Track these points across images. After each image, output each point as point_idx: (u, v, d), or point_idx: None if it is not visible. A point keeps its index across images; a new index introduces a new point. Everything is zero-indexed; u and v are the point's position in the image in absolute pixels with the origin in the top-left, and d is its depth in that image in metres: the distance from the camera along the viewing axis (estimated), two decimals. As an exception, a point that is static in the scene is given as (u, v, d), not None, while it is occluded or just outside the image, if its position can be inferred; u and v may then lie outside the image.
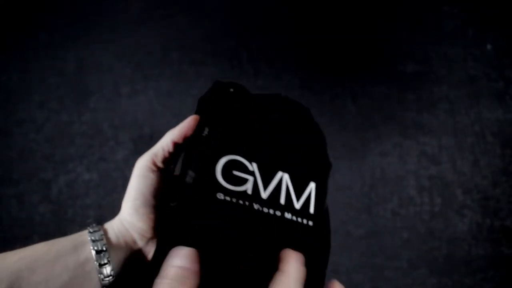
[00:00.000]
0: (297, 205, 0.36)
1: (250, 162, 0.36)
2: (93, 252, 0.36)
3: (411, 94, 0.87)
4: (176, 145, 0.38)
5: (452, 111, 0.86)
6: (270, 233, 0.35)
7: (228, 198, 0.35)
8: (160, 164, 0.38)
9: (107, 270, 0.35)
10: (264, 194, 0.36)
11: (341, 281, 0.35)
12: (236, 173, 0.36)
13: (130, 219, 0.38)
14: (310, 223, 0.36)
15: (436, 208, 0.83)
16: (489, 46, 0.88)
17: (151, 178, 0.38)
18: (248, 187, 0.35)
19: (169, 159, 0.38)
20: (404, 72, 0.88)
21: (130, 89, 0.91)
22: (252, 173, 0.36)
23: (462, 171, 0.84)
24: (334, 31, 0.91)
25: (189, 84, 0.90)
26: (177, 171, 0.38)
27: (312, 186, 0.37)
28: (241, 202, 0.35)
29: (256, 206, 0.35)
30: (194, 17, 0.93)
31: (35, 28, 0.94)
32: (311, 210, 0.36)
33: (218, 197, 0.34)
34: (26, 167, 0.87)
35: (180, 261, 0.30)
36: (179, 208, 0.35)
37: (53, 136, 0.89)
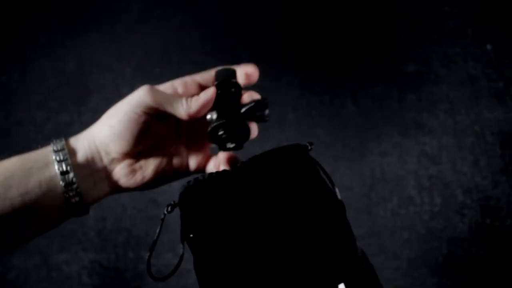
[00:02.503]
0: None
1: None
2: (58, 172, 0.38)
3: (411, 94, 0.87)
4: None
5: (452, 111, 0.86)
6: None
7: None
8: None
9: (73, 188, 0.38)
10: None
11: (341, 281, 0.35)
12: None
13: (105, 140, 0.40)
14: None
15: (436, 208, 0.83)
16: (489, 46, 0.88)
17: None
18: None
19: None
20: (404, 72, 0.88)
21: (130, 89, 0.90)
22: None
23: (462, 171, 0.84)
24: (334, 31, 0.91)
25: (189, 84, 0.90)
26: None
27: None
28: None
29: None
30: (194, 17, 0.93)
31: (35, 28, 0.94)
32: None
33: None
34: (26, 167, 0.87)
35: None
36: None
37: (53, 136, 0.89)
